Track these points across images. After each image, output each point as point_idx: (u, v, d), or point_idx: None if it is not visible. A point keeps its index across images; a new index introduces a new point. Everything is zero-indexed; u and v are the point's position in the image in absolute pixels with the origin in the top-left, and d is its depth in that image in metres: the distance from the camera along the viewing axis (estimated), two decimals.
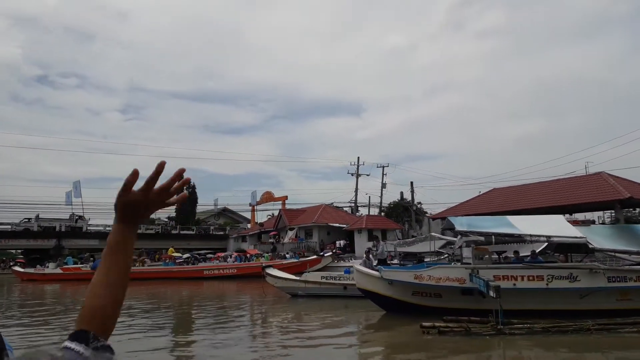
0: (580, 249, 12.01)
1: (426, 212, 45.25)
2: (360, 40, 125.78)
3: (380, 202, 62.50)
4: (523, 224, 11.74)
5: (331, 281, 16.08)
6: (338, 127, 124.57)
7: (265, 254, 37.47)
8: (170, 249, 40.06)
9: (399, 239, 41.23)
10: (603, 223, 38.74)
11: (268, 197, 62.81)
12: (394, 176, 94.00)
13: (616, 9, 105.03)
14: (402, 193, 43.58)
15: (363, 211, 59.50)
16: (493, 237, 11.19)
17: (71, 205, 50.59)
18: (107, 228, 50.87)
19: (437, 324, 9.75)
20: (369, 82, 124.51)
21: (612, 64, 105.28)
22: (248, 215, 77.88)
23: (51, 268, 36.55)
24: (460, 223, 11.97)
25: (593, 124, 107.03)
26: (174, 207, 69.51)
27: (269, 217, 71.34)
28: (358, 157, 60.37)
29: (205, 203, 76.13)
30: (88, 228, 47.63)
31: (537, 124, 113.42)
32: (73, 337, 0.87)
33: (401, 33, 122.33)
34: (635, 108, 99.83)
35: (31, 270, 37.67)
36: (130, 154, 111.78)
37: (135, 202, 1.02)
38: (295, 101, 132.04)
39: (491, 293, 9.56)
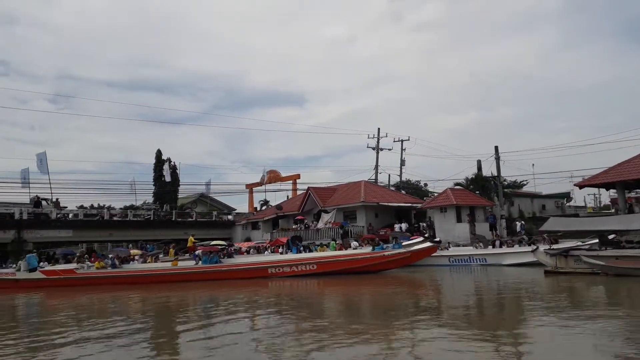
0: None
1: (509, 187, 37.13)
2: (302, 30, 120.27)
3: (400, 180, 54.54)
4: None
5: None
6: (281, 118, 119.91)
7: (332, 242, 27.70)
8: (190, 238, 29.14)
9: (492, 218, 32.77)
10: None
11: (274, 177, 52.44)
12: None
13: (545, 6, 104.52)
14: (479, 162, 34.86)
15: None
16: None
17: (28, 185, 37.85)
18: (85, 214, 38.45)
19: None
20: (311, 72, 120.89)
21: (540, 58, 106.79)
22: (226, 202, 68.05)
23: (23, 270, 24.58)
24: None
25: (520, 116, 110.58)
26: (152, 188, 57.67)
27: (261, 202, 61.12)
28: (379, 129, 51.69)
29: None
30: (58, 215, 35.12)
31: (470, 116, 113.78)
32: None
33: (342, 24, 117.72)
34: (559, 100, 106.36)
35: None
36: (61, 146, 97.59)
37: None
38: (236, 91, 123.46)
39: None
